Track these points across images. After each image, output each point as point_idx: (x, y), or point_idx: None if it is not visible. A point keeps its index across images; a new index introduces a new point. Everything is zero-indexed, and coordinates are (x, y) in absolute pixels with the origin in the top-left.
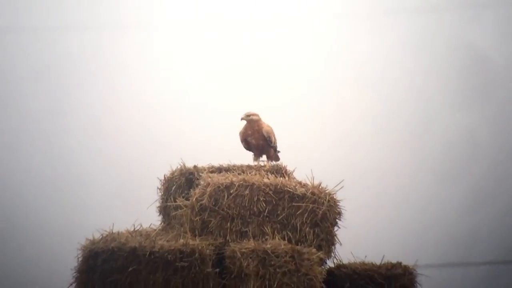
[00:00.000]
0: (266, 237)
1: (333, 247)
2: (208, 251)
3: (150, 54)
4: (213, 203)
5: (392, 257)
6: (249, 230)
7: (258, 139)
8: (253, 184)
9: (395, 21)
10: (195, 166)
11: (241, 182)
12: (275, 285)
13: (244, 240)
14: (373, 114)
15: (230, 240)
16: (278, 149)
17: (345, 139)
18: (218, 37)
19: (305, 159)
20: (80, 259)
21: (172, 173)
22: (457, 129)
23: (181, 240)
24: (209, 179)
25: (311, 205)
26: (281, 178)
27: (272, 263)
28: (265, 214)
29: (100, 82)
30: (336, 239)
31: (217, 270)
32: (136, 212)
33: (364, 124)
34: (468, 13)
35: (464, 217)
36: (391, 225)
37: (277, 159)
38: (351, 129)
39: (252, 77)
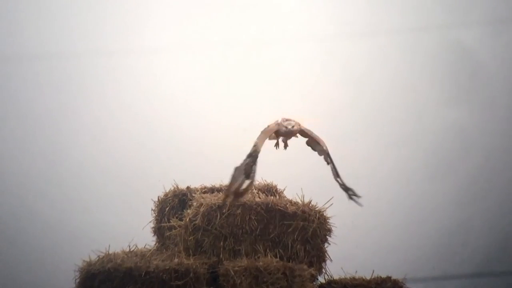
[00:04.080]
0: (259, 255)
1: (324, 263)
2: (202, 269)
3: (148, 77)
4: (206, 223)
5: (382, 272)
6: (242, 248)
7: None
8: (244, 203)
9: (385, 20)
10: (188, 187)
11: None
12: None
13: (237, 258)
14: (362, 114)
15: (223, 259)
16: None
17: (337, 138)
18: (216, 62)
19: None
20: (77, 281)
21: (166, 195)
22: (446, 126)
23: (176, 260)
24: (202, 199)
25: (301, 222)
26: (272, 197)
27: (265, 280)
28: (257, 232)
29: (93, 106)
30: (327, 256)
31: None
32: (131, 233)
33: (354, 124)
34: (455, 11)
35: (456, 212)
36: (382, 240)
37: None
38: (342, 129)
39: (242, 93)
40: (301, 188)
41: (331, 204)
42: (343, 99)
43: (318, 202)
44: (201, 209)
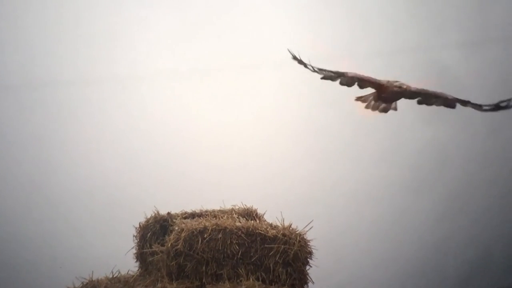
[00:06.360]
0: (241, 278)
1: (305, 286)
2: None
3: (133, 105)
4: (188, 248)
5: None
6: (224, 272)
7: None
8: (225, 228)
9: (362, 39)
10: (168, 213)
11: (214, 227)
12: None
13: (220, 283)
14: (341, 132)
15: (206, 283)
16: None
17: (316, 157)
18: (203, 89)
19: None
20: None
21: (147, 221)
22: (424, 143)
23: (159, 285)
24: (183, 225)
25: (282, 246)
26: (252, 221)
27: None
28: (238, 256)
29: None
30: (309, 278)
31: None
32: (114, 259)
33: (333, 142)
34: (432, 28)
35: (436, 228)
36: (362, 260)
37: None
38: (321, 148)
39: (229, 119)
40: (281, 212)
41: (311, 227)
42: (321, 119)
43: (298, 225)
44: (183, 234)
